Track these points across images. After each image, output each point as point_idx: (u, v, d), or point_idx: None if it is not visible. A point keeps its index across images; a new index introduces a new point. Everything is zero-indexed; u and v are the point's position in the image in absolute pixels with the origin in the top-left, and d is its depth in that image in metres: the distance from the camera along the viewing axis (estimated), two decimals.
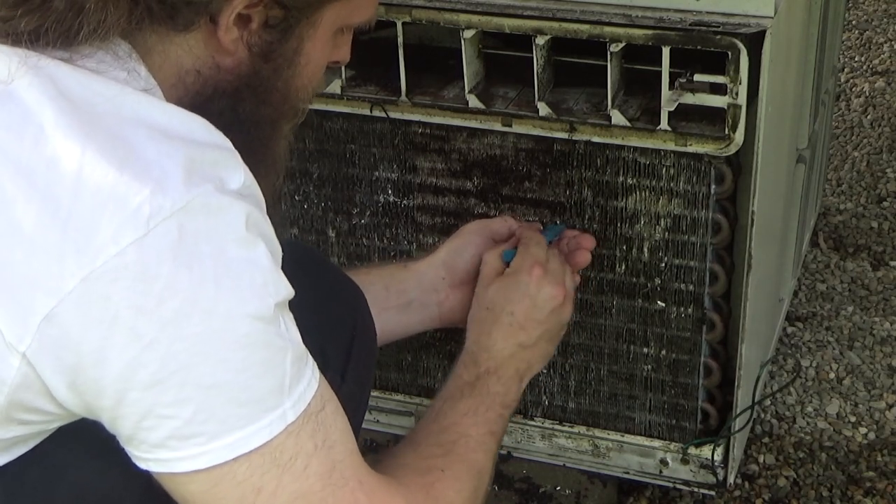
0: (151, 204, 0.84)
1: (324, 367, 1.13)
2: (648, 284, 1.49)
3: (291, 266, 0.95)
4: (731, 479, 1.63)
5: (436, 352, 1.65)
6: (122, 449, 0.93)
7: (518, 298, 1.34)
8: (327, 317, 1.16)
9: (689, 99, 1.33)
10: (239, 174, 0.91)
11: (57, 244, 0.84)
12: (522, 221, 1.45)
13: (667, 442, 1.61)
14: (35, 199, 0.84)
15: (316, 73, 1.05)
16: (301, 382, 0.94)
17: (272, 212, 0.95)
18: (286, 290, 0.93)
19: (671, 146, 1.38)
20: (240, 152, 0.95)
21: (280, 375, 0.92)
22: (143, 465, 0.92)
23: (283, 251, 0.94)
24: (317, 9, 0.99)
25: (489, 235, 1.42)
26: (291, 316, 0.95)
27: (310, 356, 0.96)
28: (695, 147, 1.37)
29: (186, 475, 0.91)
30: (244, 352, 0.89)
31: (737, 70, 1.30)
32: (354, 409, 1.23)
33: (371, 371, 1.29)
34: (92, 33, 0.89)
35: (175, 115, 0.91)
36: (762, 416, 1.87)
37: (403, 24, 1.40)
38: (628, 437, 1.62)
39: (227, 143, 0.92)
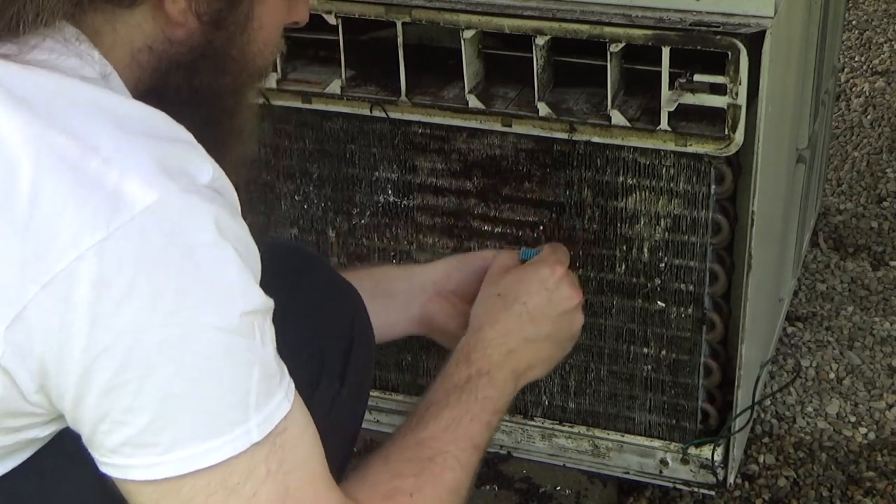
0: (111, 206, 0.82)
1: (321, 371, 1.12)
2: (648, 284, 1.49)
3: (287, 268, 0.94)
4: (731, 479, 1.63)
5: (436, 352, 1.65)
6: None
7: (535, 290, 1.28)
8: (325, 319, 1.15)
9: (689, 99, 1.33)
10: (207, 167, 0.88)
11: (17, 252, 0.82)
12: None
13: (667, 442, 1.61)
14: None
15: (272, 35, 1.02)
16: (271, 400, 0.90)
17: (245, 191, 0.93)
18: (258, 299, 0.89)
19: (671, 146, 1.38)
20: (203, 126, 0.92)
21: (243, 391, 0.88)
22: (103, 469, 0.90)
23: (277, 253, 0.92)
24: None
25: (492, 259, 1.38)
26: (270, 328, 0.91)
27: (286, 375, 0.93)
28: (695, 147, 1.37)
29: (139, 484, 0.89)
30: (203, 363, 0.86)
31: (737, 70, 1.30)
32: (353, 412, 1.22)
33: (370, 373, 1.26)
34: (35, 20, 0.87)
35: (133, 108, 0.89)
36: (762, 416, 1.87)
37: (403, 24, 1.40)
38: (628, 437, 1.62)
39: (190, 136, 0.89)
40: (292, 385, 0.93)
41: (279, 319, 0.92)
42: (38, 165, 0.83)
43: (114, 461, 0.89)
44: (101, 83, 0.91)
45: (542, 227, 1.49)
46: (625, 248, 1.48)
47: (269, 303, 0.91)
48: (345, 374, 1.16)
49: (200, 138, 0.90)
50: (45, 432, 0.94)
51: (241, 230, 0.89)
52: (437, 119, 1.46)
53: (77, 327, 0.83)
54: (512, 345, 1.25)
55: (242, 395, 0.88)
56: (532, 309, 1.27)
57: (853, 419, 1.87)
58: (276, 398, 0.91)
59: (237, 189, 0.92)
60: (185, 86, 0.97)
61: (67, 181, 0.83)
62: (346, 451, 1.22)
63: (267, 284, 0.91)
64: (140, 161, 0.84)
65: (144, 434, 0.86)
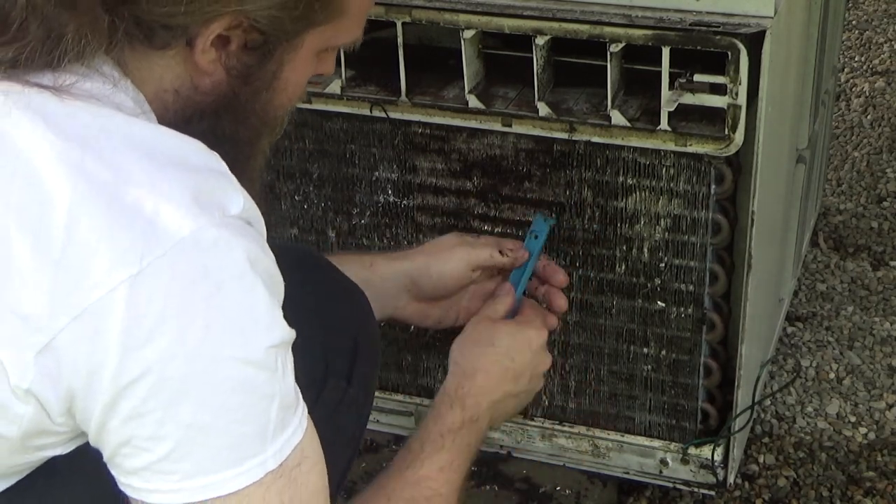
0: (145, 241, 0.83)
1: (328, 372, 1.13)
2: (648, 284, 1.49)
3: (293, 270, 0.94)
4: (731, 479, 1.63)
5: (436, 352, 1.65)
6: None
7: (523, 350, 1.35)
8: (331, 321, 1.15)
9: (689, 99, 1.33)
10: (238, 198, 0.89)
11: (51, 283, 0.83)
12: (507, 244, 1.42)
13: (667, 442, 1.61)
14: (28, 240, 0.84)
15: (296, 92, 1.04)
16: (286, 430, 0.92)
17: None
18: (282, 333, 0.90)
19: (671, 146, 1.38)
20: None
21: (263, 423, 0.90)
22: (120, 487, 0.92)
23: (284, 255, 0.93)
24: (297, 34, 0.97)
25: (471, 264, 1.40)
26: (290, 358, 0.93)
27: (300, 401, 0.94)
28: (695, 147, 1.37)
29: None
30: (227, 396, 0.87)
31: (737, 70, 1.30)
32: (359, 413, 1.23)
33: (375, 374, 1.28)
34: (74, 58, 0.88)
35: (167, 138, 0.90)
36: (762, 416, 1.87)
37: (403, 24, 1.40)
38: (628, 437, 1.62)
39: (222, 165, 0.91)
40: (305, 411, 0.95)
41: (288, 321, 0.93)
42: (74, 196, 0.84)
43: (132, 483, 0.91)
44: (135, 112, 0.93)
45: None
46: (625, 248, 1.48)
47: (292, 334, 0.92)
48: (351, 375, 1.17)
49: None
50: (67, 450, 0.95)
51: (270, 261, 0.91)
52: (437, 119, 1.46)
53: (107, 357, 0.84)
54: (496, 397, 1.32)
55: (262, 426, 0.90)
56: (517, 367, 1.34)
57: (853, 419, 1.87)
58: (292, 426, 0.92)
59: None
60: (208, 133, 0.98)
61: (102, 213, 0.84)
62: (351, 453, 1.22)
63: None
64: (173, 194, 0.85)
65: (165, 461, 0.88)
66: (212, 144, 0.95)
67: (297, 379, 0.95)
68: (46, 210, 0.84)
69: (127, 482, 0.91)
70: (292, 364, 0.93)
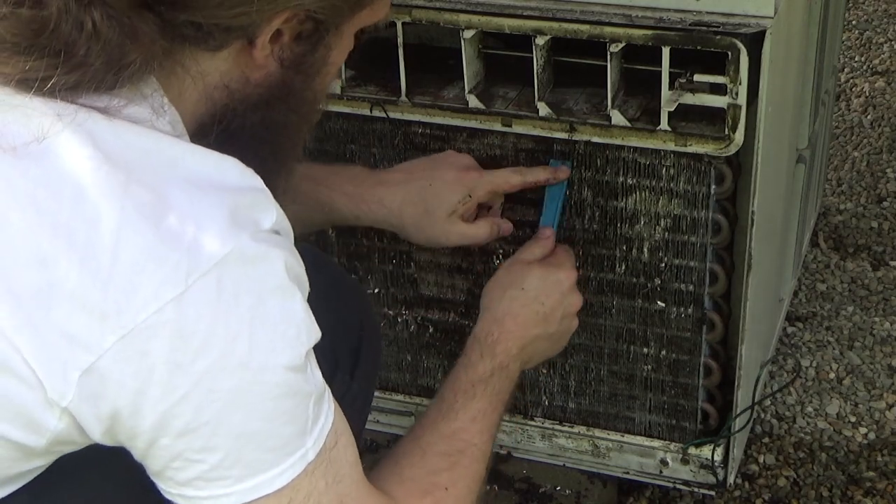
0: (189, 261, 0.85)
1: (334, 369, 1.14)
2: (648, 284, 1.49)
3: None
4: (731, 479, 1.63)
5: (436, 352, 1.65)
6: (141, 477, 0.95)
7: (552, 292, 1.37)
8: (335, 317, 1.16)
9: (689, 99, 1.33)
10: (272, 212, 0.91)
11: (98, 303, 0.84)
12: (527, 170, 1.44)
13: (667, 442, 1.61)
14: (75, 259, 0.85)
15: (335, 74, 1.07)
16: (319, 421, 0.95)
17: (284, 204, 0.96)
18: (316, 335, 0.94)
19: (671, 146, 1.38)
20: (268, 159, 0.96)
21: (304, 420, 0.94)
22: (169, 497, 0.94)
23: None
24: (347, 19, 0.99)
25: (482, 194, 1.41)
26: (313, 354, 0.96)
27: (328, 389, 0.98)
28: (695, 147, 1.37)
29: None
30: (275, 402, 0.91)
31: (737, 70, 1.30)
32: (361, 409, 1.24)
33: (377, 370, 1.30)
34: (126, 83, 0.90)
35: (207, 160, 0.91)
36: (762, 416, 1.87)
37: (403, 24, 1.40)
38: (628, 437, 1.62)
39: (259, 181, 0.92)
40: (330, 394, 0.98)
41: None
42: (121, 218, 0.85)
43: (183, 492, 0.93)
44: (172, 132, 0.94)
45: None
46: (625, 248, 1.48)
47: (319, 333, 0.95)
48: (354, 371, 1.18)
49: (261, 172, 0.93)
50: (78, 451, 0.96)
51: (301, 267, 0.93)
52: (438, 119, 1.46)
53: (154, 376, 0.86)
54: (526, 341, 1.33)
55: (302, 423, 0.94)
56: (548, 309, 1.36)
57: (853, 419, 1.87)
58: (324, 414, 0.96)
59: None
60: (259, 124, 1.00)
61: (149, 235, 0.85)
62: None
63: None
64: (213, 215, 0.87)
65: (216, 470, 0.91)
66: (261, 132, 0.98)
67: None
68: (94, 231, 0.85)
69: (179, 493, 0.93)
70: (315, 357, 0.96)
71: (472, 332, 1.33)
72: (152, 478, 0.94)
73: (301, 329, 0.92)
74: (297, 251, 0.93)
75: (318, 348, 0.96)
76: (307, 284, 0.94)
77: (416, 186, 1.40)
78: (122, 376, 0.86)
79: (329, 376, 1.12)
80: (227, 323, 0.87)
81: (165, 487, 0.94)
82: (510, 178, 1.43)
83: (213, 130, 0.97)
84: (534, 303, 1.35)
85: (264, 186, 0.93)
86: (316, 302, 0.96)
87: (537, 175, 1.43)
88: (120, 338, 0.85)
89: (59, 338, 0.85)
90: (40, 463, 0.95)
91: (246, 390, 0.89)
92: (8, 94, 0.88)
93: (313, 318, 0.94)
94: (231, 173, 0.91)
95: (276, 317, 0.90)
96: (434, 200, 1.40)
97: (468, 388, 1.25)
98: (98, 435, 0.90)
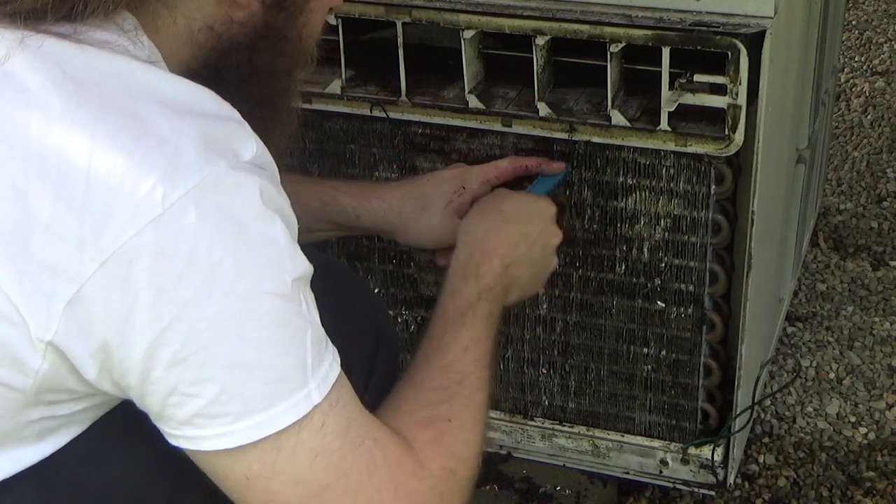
0: (164, 183, 0.84)
1: (350, 376, 1.13)
2: (648, 284, 1.49)
3: (316, 277, 0.95)
4: (731, 479, 1.63)
5: None
6: (153, 442, 0.94)
7: (534, 217, 1.32)
8: (352, 326, 1.15)
9: (689, 99, 1.33)
10: (251, 144, 0.90)
11: (74, 232, 0.84)
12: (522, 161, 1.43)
13: (667, 442, 1.61)
14: (49, 190, 0.84)
15: (322, 17, 1.05)
16: (323, 365, 0.93)
17: (284, 161, 0.95)
18: (304, 266, 0.92)
19: (671, 146, 1.38)
20: (257, 105, 0.95)
21: (301, 354, 0.91)
22: (173, 442, 0.93)
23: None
24: None
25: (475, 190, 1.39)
26: (311, 295, 0.94)
27: (328, 339, 0.96)
28: (695, 147, 1.37)
29: (211, 454, 0.92)
30: (265, 330, 0.89)
31: (737, 70, 1.30)
32: None
33: (393, 381, 1.28)
34: (96, 9, 0.89)
35: (183, 87, 0.90)
36: (762, 416, 1.87)
37: (403, 24, 1.40)
38: (628, 438, 1.62)
39: (236, 113, 0.92)
40: (335, 350, 0.96)
41: None
42: (93, 146, 0.84)
43: (185, 433, 0.91)
44: (149, 60, 0.93)
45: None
46: (625, 248, 1.48)
47: (310, 268, 0.94)
48: (369, 380, 1.18)
49: (253, 118, 0.93)
50: (74, 409, 0.95)
51: (283, 201, 0.92)
52: (437, 119, 1.46)
53: (139, 302, 0.85)
54: (509, 260, 1.28)
55: (301, 359, 0.91)
56: (529, 231, 1.31)
57: (853, 419, 1.87)
58: (327, 361, 0.94)
59: (280, 170, 0.95)
60: (245, 66, 1.00)
61: (121, 160, 0.84)
62: None
63: None
64: (190, 139, 0.86)
65: (214, 405, 0.89)
66: (249, 76, 0.97)
67: None
68: (65, 158, 0.84)
69: (181, 433, 0.91)
70: (313, 298, 0.94)
71: (453, 260, 1.27)
72: (156, 423, 0.92)
73: (285, 255, 0.90)
74: (280, 185, 0.92)
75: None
76: (292, 218, 0.93)
77: (414, 184, 1.40)
78: (106, 304, 0.85)
79: None
80: (209, 248, 0.85)
81: (168, 430, 0.92)
82: (500, 163, 1.41)
83: (200, 74, 0.96)
84: (515, 222, 1.30)
85: (241, 118, 0.91)
86: (331, 311, 0.95)
87: (528, 161, 1.42)
88: (100, 264, 0.84)
89: (40, 270, 0.84)
90: (38, 415, 0.94)
91: (234, 317, 0.87)
92: None
93: (297, 247, 0.92)
94: (208, 103, 0.91)
95: (258, 242, 0.88)
96: (432, 192, 1.39)
97: (457, 318, 1.19)
98: (93, 374, 0.88)
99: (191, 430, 0.90)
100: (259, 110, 0.96)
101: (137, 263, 0.84)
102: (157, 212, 0.84)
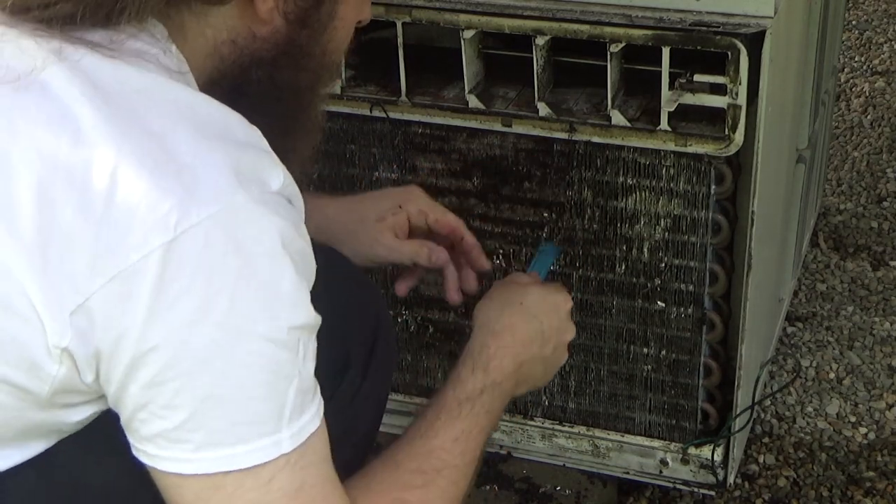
0: (180, 209, 0.84)
1: (347, 365, 1.13)
2: (648, 284, 1.49)
3: (316, 265, 0.95)
4: (731, 480, 1.63)
5: (436, 352, 1.65)
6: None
7: (552, 313, 1.29)
8: (351, 315, 1.15)
9: (689, 99, 1.33)
10: (278, 174, 0.90)
11: (90, 245, 0.85)
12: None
13: (667, 442, 1.61)
14: (72, 200, 0.85)
15: (348, 33, 1.05)
16: (303, 416, 0.92)
17: (309, 172, 0.95)
18: (307, 315, 0.92)
19: (671, 146, 1.38)
20: (279, 119, 0.95)
21: (280, 403, 0.90)
22: (134, 452, 0.93)
23: None
24: None
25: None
26: (314, 345, 0.93)
27: (318, 392, 0.95)
28: (695, 147, 1.37)
29: (166, 474, 0.91)
30: (246, 370, 0.88)
31: (737, 70, 1.30)
32: (374, 408, 1.22)
33: (391, 371, 1.27)
34: (130, 16, 0.89)
35: (214, 109, 0.91)
36: (762, 416, 1.87)
37: (403, 24, 1.40)
38: (628, 438, 1.62)
39: (264, 141, 0.92)
40: (321, 402, 0.96)
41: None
42: (118, 162, 0.85)
43: (146, 449, 0.91)
44: (178, 70, 0.94)
45: (544, 228, 1.49)
46: (625, 248, 1.48)
47: (317, 319, 0.93)
48: (367, 368, 1.17)
49: (275, 132, 0.93)
50: (85, 414, 0.95)
51: (304, 243, 0.92)
52: (437, 119, 1.46)
53: (134, 320, 0.85)
54: (524, 358, 1.25)
55: (279, 406, 0.90)
56: (546, 329, 1.28)
57: (853, 419, 1.87)
58: (308, 413, 0.93)
59: (303, 182, 0.95)
60: (266, 81, 1.00)
61: (144, 179, 0.85)
62: (364, 448, 1.22)
63: None
64: (215, 167, 0.86)
65: (179, 430, 0.89)
66: (271, 91, 0.97)
67: (317, 371, 0.95)
68: (90, 172, 0.85)
69: (142, 448, 0.92)
70: (314, 352, 0.94)
71: (466, 348, 1.24)
72: (124, 430, 0.93)
73: (286, 301, 0.89)
74: (303, 224, 0.92)
75: (330, 345, 0.95)
76: (311, 265, 0.92)
77: (354, 198, 1.38)
78: (106, 318, 0.85)
79: (341, 373, 1.12)
80: (209, 278, 0.85)
81: (132, 441, 0.92)
82: (447, 216, 1.36)
83: (222, 87, 0.97)
84: (533, 320, 1.26)
85: (268, 147, 0.92)
86: (331, 300, 0.95)
87: (468, 238, 1.36)
88: (108, 280, 0.84)
89: (58, 277, 0.85)
90: (49, 417, 0.94)
91: (218, 351, 0.86)
92: (7, 28, 0.88)
93: (307, 298, 0.91)
94: (237, 128, 0.91)
95: (262, 283, 0.87)
96: (368, 206, 1.36)
97: (453, 407, 1.16)
98: (90, 377, 0.89)
99: (152, 448, 0.91)
100: (280, 124, 0.96)
101: (141, 284, 0.85)
102: (168, 236, 0.84)
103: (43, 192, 0.85)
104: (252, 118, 0.93)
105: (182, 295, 0.85)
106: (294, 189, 0.93)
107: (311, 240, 0.94)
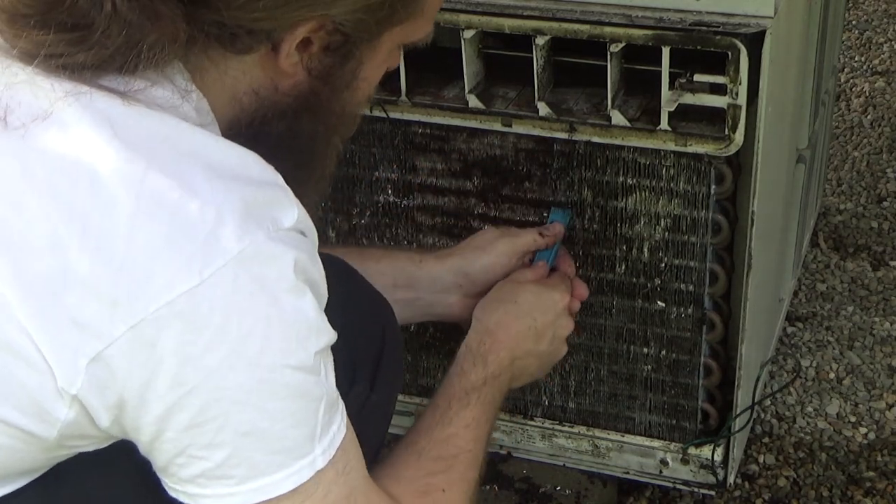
0: (203, 254, 0.84)
1: (353, 379, 1.14)
2: (648, 284, 1.49)
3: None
4: (731, 479, 1.63)
5: (436, 352, 1.65)
6: (147, 472, 0.95)
7: (546, 310, 1.36)
8: (357, 327, 1.16)
9: (689, 99, 1.33)
10: (293, 211, 0.91)
11: (110, 291, 0.84)
12: (542, 228, 1.44)
13: (667, 442, 1.61)
14: (90, 246, 0.84)
15: (371, 89, 1.05)
16: (331, 429, 0.95)
17: (315, 212, 0.96)
18: (328, 336, 0.93)
19: (671, 146, 1.38)
20: (295, 166, 0.95)
21: (313, 424, 0.93)
22: (172, 493, 0.94)
23: None
24: (378, 35, 0.98)
25: (515, 252, 1.41)
26: (331, 359, 0.95)
27: (340, 399, 0.97)
28: (695, 147, 1.37)
29: None
30: (283, 402, 0.90)
31: (737, 70, 1.30)
32: (381, 419, 1.24)
33: (399, 381, 1.29)
34: (148, 66, 0.89)
35: (230, 151, 0.91)
36: (762, 416, 1.87)
37: None
38: (628, 437, 1.62)
39: (279, 178, 0.92)
40: (344, 407, 0.98)
41: None
42: (137, 206, 0.85)
43: (187, 489, 0.92)
44: (198, 122, 0.93)
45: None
46: (625, 248, 1.48)
47: (334, 335, 0.94)
48: (374, 380, 1.19)
49: (287, 177, 0.93)
50: (101, 446, 0.96)
51: (316, 271, 0.93)
52: (438, 119, 1.46)
53: (163, 367, 0.85)
54: (518, 353, 1.33)
55: (312, 427, 0.93)
56: (540, 326, 1.35)
57: (853, 419, 1.87)
58: (336, 424, 0.96)
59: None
60: (286, 132, 1.00)
61: (163, 225, 0.84)
62: (369, 459, 1.23)
63: None
64: (233, 208, 0.86)
65: (221, 468, 0.90)
66: (289, 140, 0.98)
67: None
68: (109, 218, 0.84)
69: (182, 489, 0.92)
70: (332, 363, 0.95)
71: (464, 342, 1.32)
72: (157, 473, 0.94)
73: (312, 329, 0.91)
74: (317, 254, 0.93)
75: (336, 356, 0.96)
76: (323, 288, 0.94)
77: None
78: (129, 366, 0.85)
79: (348, 385, 1.12)
80: (240, 319, 0.86)
81: (170, 483, 0.93)
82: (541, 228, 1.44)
83: (241, 134, 0.96)
84: (526, 317, 1.34)
85: (284, 184, 0.92)
86: (337, 311, 0.95)
87: (544, 242, 1.44)
88: (130, 327, 0.84)
89: (70, 324, 0.84)
90: (54, 458, 0.95)
91: (255, 389, 0.88)
92: (22, 70, 0.87)
93: (325, 318, 0.93)
94: (253, 167, 0.91)
95: (290, 317, 0.89)
96: (479, 238, 1.43)
97: (462, 396, 1.25)
98: (106, 424, 0.89)
99: (192, 488, 0.92)
100: (294, 172, 0.96)
101: (167, 330, 0.84)
102: (193, 282, 0.84)
103: (56, 235, 0.84)
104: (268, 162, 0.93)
105: (214, 339, 0.85)
106: (308, 223, 0.93)
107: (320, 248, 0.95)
